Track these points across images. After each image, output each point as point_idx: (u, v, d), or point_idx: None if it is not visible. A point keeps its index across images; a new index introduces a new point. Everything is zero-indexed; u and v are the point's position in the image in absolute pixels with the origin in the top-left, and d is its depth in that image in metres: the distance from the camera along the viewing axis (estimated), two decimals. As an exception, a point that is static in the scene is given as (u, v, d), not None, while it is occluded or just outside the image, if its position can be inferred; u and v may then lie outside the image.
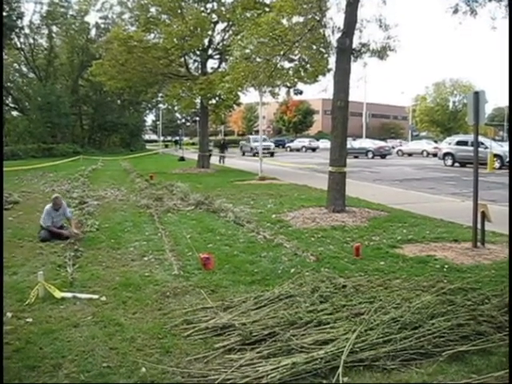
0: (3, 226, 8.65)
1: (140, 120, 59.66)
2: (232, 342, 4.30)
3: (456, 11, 11.24)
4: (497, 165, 26.73)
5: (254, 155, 40.12)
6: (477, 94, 8.08)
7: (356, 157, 39.90)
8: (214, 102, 25.23)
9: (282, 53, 12.78)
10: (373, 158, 40.61)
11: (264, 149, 41.47)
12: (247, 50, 13.08)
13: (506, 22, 10.61)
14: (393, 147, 48.41)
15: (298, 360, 3.85)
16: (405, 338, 4.18)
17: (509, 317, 4.59)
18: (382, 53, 12.04)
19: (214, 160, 31.43)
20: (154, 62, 22.86)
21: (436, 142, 52.12)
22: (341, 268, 6.68)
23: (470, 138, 27.80)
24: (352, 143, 41.22)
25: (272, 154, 43.95)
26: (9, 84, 46.68)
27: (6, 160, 26.24)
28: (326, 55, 13.44)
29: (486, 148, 26.11)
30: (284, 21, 12.49)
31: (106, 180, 19.90)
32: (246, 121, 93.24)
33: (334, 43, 11.67)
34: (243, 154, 45.47)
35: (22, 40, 46.67)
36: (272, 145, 47.11)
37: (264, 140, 46.35)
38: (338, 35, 11.43)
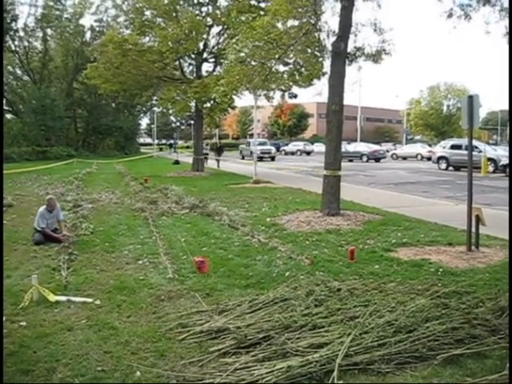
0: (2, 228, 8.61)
1: (134, 123, 59.64)
2: (227, 346, 4.29)
3: (450, 15, 11.36)
4: (491, 169, 26.87)
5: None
6: (471, 97, 8.13)
7: (351, 160, 39.98)
8: (208, 105, 25.20)
9: (276, 56, 12.81)
10: (367, 161, 40.79)
11: (265, 153, 41.56)
12: (242, 54, 13.11)
13: (500, 26, 10.73)
14: (387, 151, 48.54)
15: (293, 363, 3.85)
16: (399, 342, 4.19)
17: (509, 318, 4.61)
18: (376, 56, 12.11)
19: (212, 163, 31.40)
20: (149, 65, 22.85)
21: (430, 145, 52.33)
22: (335, 271, 6.69)
23: (464, 141, 27.92)
24: (346, 147, 41.31)
25: (273, 158, 43.31)
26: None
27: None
28: (320, 59, 13.51)
29: (480, 152, 26.23)
30: (279, 24, 12.54)
31: (100, 183, 19.84)
32: (240, 124, 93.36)
33: (329, 47, 11.71)
34: (243, 158, 45.18)
35: (16, 43, 46.47)
36: (273, 149, 46.12)
37: (264, 144, 46.21)
38: (332, 39, 11.49)
